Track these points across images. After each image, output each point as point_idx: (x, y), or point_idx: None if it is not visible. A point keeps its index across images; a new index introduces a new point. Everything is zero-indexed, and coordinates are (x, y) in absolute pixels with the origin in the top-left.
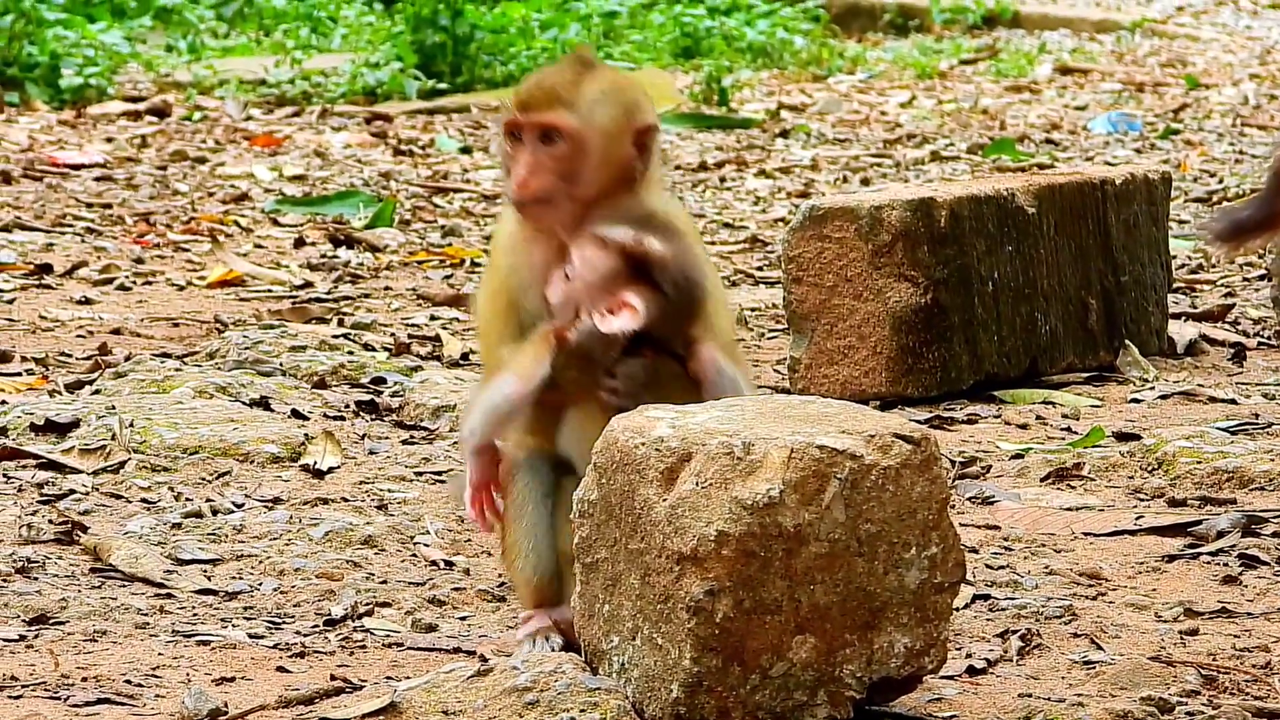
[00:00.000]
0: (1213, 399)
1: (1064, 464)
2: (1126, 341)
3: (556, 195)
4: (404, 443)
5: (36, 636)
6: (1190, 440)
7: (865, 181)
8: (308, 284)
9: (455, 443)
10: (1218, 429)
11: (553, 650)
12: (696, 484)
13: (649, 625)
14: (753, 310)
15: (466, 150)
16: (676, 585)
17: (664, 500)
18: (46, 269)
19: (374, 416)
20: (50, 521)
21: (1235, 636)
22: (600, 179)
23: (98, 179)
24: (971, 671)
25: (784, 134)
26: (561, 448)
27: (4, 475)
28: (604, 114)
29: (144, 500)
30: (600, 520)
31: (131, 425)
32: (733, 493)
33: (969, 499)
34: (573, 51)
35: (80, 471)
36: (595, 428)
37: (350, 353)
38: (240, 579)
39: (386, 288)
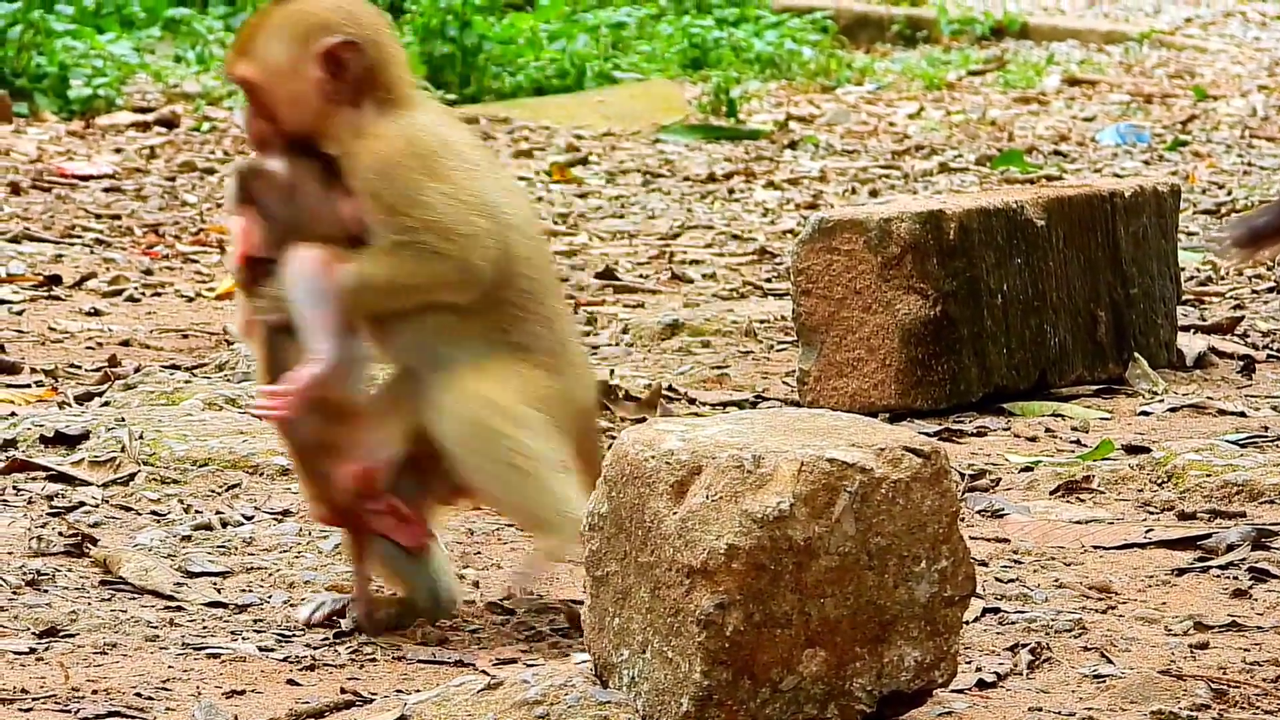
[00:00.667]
0: (1222, 412)
1: (1073, 477)
2: (1135, 354)
3: (272, 137)
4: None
5: (46, 649)
6: (1200, 453)
7: (874, 193)
8: None
9: None
10: (1227, 442)
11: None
12: (706, 497)
13: (659, 639)
14: (762, 322)
15: None
16: (687, 599)
17: (674, 513)
18: (55, 280)
19: None
20: (60, 534)
21: (1245, 650)
22: (299, 113)
23: (106, 190)
24: (981, 685)
25: (792, 145)
26: None
27: (14, 487)
28: (277, 51)
29: (154, 513)
30: (610, 533)
31: (141, 437)
32: (743, 506)
33: (978, 512)
34: None
35: (90, 484)
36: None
37: None
38: (250, 591)
39: None
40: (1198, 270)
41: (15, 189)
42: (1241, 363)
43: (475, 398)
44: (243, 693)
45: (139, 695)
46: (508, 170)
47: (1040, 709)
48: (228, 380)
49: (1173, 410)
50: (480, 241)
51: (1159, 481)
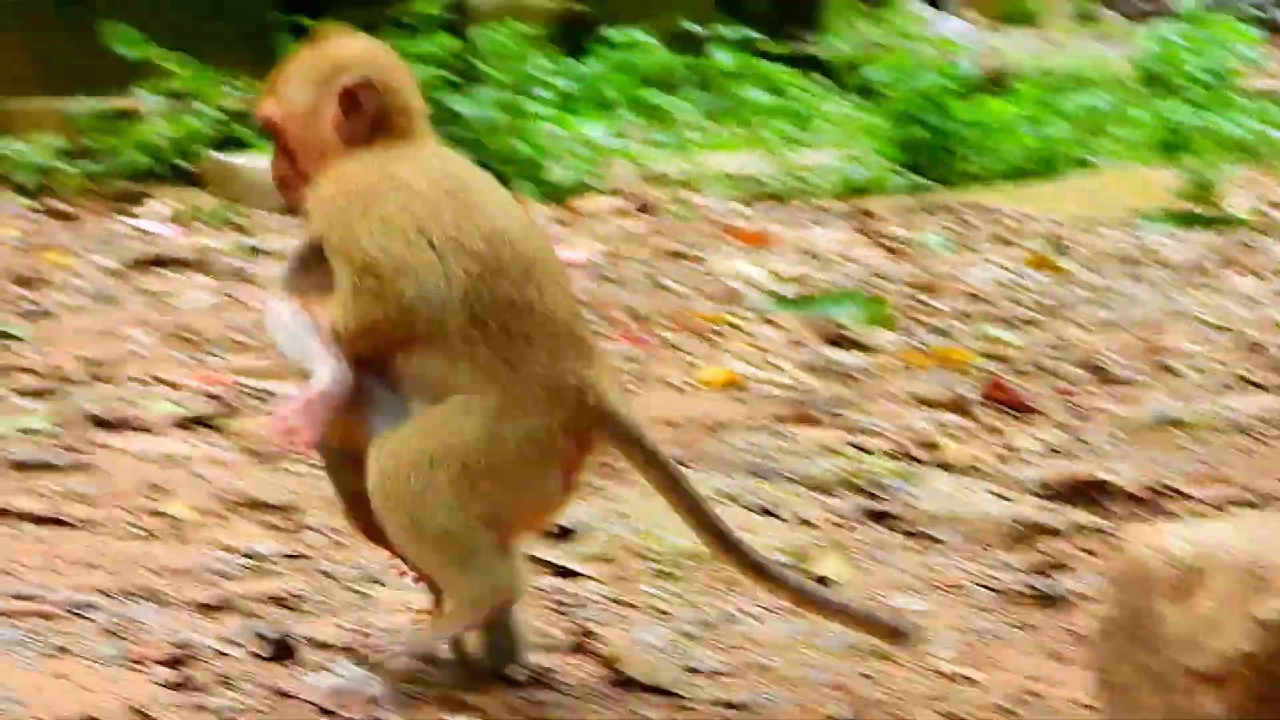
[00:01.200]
0: None
1: None
2: None
3: (291, 177)
4: (907, 550)
5: None
6: None
7: None
8: (805, 386)
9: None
10: None
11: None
12: (1213, 600)
13: None
14: (1260, 419)
15: (954, 248)
16: (1195, 705)
17: (1179, 617)
18: None
19: (879, 523)
20: (564, 630)
21: None
22: (316, 154)
23: (589, 277)
24: None
25: (1272, 233)
26: None
27: None
28: (300, 92)
29: (654, 608)
30: (1117, 637)
31: (639, 532)
32: (1251, 610)
33: None
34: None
35: (592, 579)
36: None
37: (850, 457)
38: (754, 690)
39: (883, 390)
40: None
41: None
42: None
43: (395, 456)
44: None
45: None
46: (480, 196)
47: None
48: (723, 474)
49: None
50: (407, 275)
51: None
